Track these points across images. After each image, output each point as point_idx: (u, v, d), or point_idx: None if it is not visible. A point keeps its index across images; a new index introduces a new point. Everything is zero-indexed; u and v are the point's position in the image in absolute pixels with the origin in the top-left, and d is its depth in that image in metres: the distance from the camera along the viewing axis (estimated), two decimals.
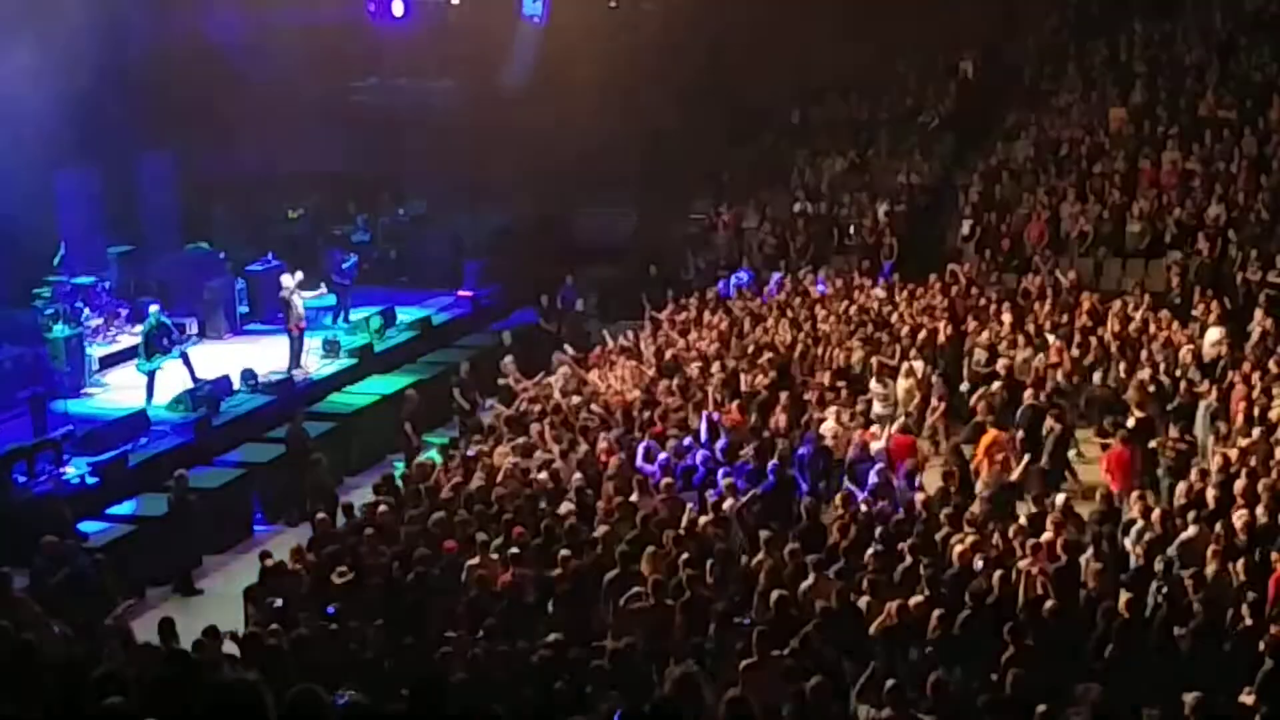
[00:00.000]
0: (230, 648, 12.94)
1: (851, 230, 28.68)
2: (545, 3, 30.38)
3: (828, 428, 18.49)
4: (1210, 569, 13.92)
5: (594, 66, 28.65)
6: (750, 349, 21.59)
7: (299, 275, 23.33)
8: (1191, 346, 20.39)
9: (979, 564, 14.14)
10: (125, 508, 18.00)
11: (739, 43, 31.75)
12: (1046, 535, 14.59)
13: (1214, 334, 20.80)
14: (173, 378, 21.77)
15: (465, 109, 30.96)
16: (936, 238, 28.50)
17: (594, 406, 19.50)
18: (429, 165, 31.03)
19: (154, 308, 22.09)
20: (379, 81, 31.46)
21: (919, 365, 20.70)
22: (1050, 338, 21.22)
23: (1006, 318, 22.13)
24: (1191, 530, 14.74)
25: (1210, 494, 15.57)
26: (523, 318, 26.78)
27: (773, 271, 26.97)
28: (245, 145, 28.26)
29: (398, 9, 30.48)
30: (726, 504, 15.92)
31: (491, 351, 23.63)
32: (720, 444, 18.00)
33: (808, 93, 32.97)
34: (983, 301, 23.43)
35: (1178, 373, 19.76)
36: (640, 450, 17.64)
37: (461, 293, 27.63)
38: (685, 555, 14.16)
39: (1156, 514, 15.15)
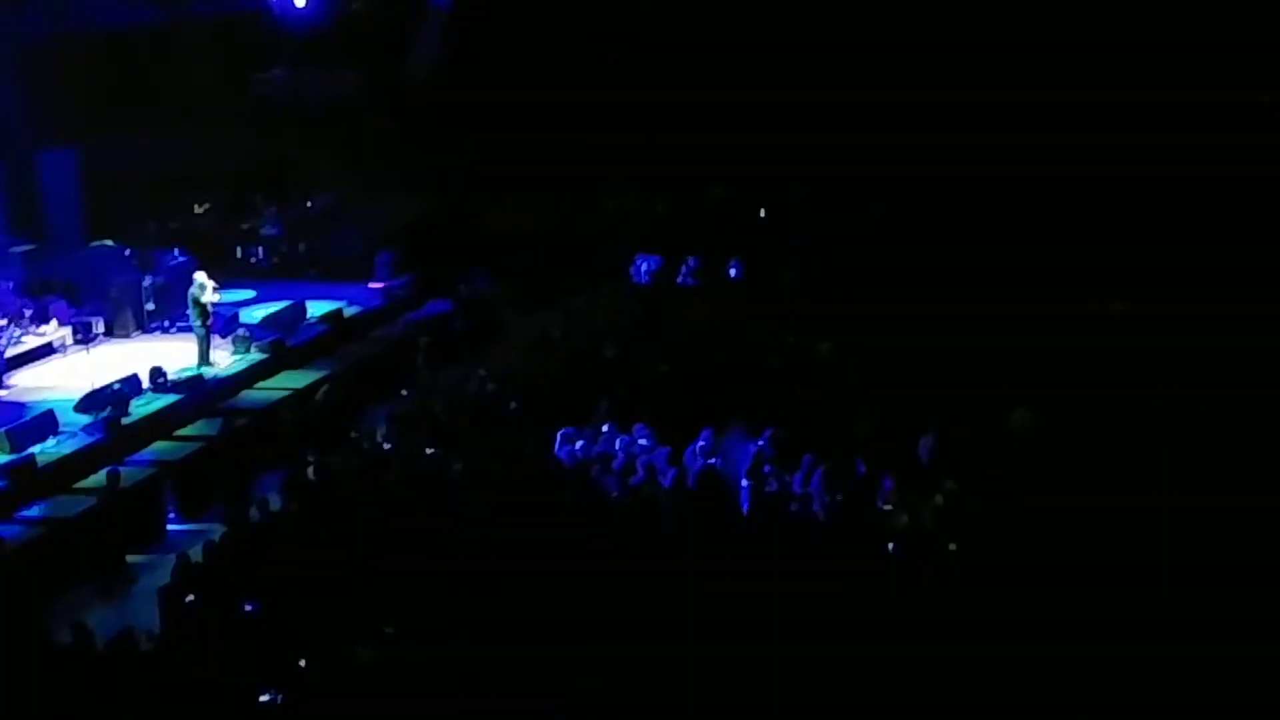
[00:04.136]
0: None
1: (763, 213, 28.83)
2: None
3: None
4: None
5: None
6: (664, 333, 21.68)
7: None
8: None
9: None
10: (36, 510, 17.75)
11: None
12: None
13: None
14: (80, 378, 21.54)
15: (373, 98, 30.81)
16: None
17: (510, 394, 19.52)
18: (338, 156, 30.87)
19: None
20: (285, 72, 31.17)
21: None
22: None
23: None
24: None
25: None
26: (436, 308, 26.71)
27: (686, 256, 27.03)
28: (150, 139, 27.91)
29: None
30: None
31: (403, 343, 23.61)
32: (639, 429, 18.02)
33: None
34: None
35: None
36: (557, 437, 17.64)
37: (373, 284, 27.49)
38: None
39: None
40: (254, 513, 16.58)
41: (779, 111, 29.23)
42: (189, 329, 23.01)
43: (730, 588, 13.40)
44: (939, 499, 15.08)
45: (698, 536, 14.76)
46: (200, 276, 22.94)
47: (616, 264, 27.43)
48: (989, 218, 24.55)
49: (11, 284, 23.77)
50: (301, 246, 29.48)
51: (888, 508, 15.21)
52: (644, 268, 26.59)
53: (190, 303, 22.80)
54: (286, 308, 25.14)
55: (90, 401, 20.64)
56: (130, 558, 17.81)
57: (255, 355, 23.31)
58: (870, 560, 14.16)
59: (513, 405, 19.30)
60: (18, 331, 23.08)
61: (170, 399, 21.45)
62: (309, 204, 30.60)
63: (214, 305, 22.89)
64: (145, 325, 24.94)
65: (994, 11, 28.41)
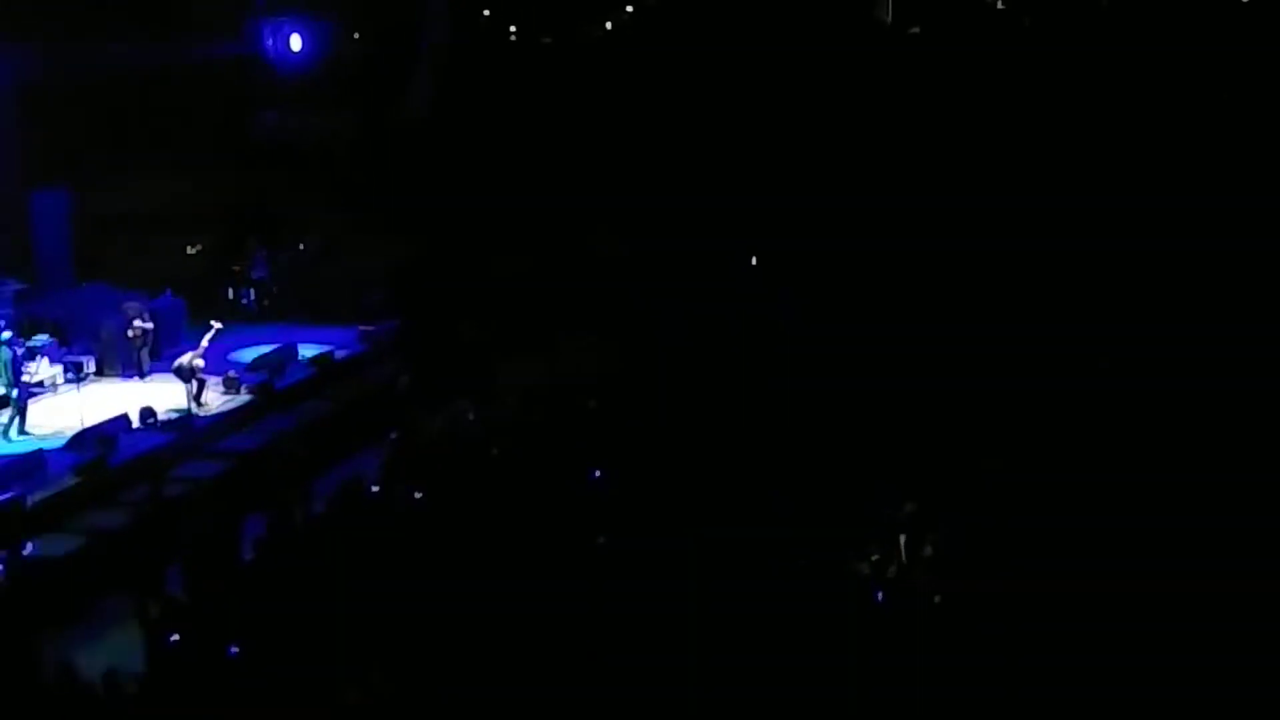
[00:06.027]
0: None
1: None
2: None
3: None
4: None
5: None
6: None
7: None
8: None
9: None
10: (25, 549, 17.69)
11: None
12: None
13: None
14: (70, 417, 21.52)
15: (365, 141, 30.94)
16: None
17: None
18: (329, 198, 30.94)
19: (5, 333, 22.03)
20: (277, 115, 31.30)
21: None
22: None
23: None
24: None
25: None
26: (424, 350, 26.68)
27: None
28: (141, 180, 27.96)
29: (295, 43, 30.43)
30: None
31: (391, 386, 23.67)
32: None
33: None
34: None
35: None
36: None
37: (363, 327, 27.48)
38: None
39: None
40: (241, 554, 16.60)
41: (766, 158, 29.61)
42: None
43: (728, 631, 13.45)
44: (928, 550, 15.15)
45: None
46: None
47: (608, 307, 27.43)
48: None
49: (2, 323, 23.74)
50: (291, 288, 29.50)
51: (875, 558, 15.27)
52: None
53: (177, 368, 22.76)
54: (275, 350, 25.15)
55: (80, 441, 20.65)
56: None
57: (244, 397, 23.33)
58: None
59: (494, 451, 19.34)
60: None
61: (159, 439, 21.44)
62: (300, 246, 30.63)
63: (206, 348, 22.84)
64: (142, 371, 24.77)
65: None
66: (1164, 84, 28.96)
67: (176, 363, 22.71)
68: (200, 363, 22.57)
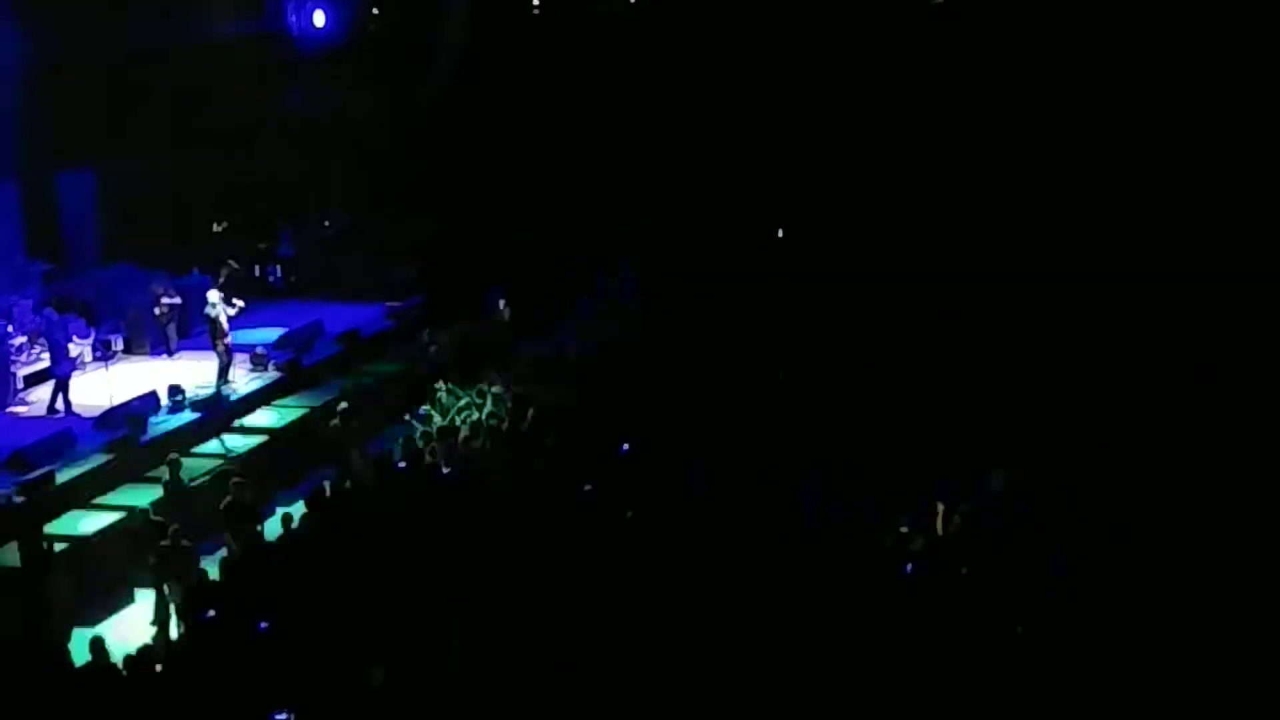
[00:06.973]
0: None
1: None
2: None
3: None
4: None
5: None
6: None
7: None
8: None
9: None
10: (55, 528, 17.79)
11: None
12: None
13: None
14: (99, 395, 21.60)
15: (389, 118, 30.91)
16: None
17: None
18: (354, 176, 30.93)
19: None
20: (302, 92, 31.28)
21: None
22: None
23: None
24: None
25: None
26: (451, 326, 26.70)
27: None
28: (167, 159, 28.00)
29: (319, 20, 30.40)
30: None
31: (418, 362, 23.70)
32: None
33: None
34: None
35: None
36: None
37: (390, 304, 27.51)
38: None
39: None
40: (270, 532, 16.63)
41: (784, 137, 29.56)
42: (207, 347, 23.05)
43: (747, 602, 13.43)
44: (956, 520, 15.09)
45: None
46: (212, 295, 22.88)
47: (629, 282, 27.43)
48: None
49: (31, 303, 23.86)
50: (318, 266, 29.54)
51: (904, 530, 15.21)
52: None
53: (205, 321, 22.83)
54: (303, 327, 25.19)
55: (108, 419, 20.73)
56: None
57: (271, 374, 23.37)
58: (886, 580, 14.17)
59: (522, 427, 19.33)
60: (38, 349, 23.17)
61: (187, 417, 21.51)
62: (325, 223, 30.62)
63: (230, 319, 22.84)
64: (170, 349, 24.85)
65: None
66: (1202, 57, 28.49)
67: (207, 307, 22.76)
68: (239, 304, 22.72)
